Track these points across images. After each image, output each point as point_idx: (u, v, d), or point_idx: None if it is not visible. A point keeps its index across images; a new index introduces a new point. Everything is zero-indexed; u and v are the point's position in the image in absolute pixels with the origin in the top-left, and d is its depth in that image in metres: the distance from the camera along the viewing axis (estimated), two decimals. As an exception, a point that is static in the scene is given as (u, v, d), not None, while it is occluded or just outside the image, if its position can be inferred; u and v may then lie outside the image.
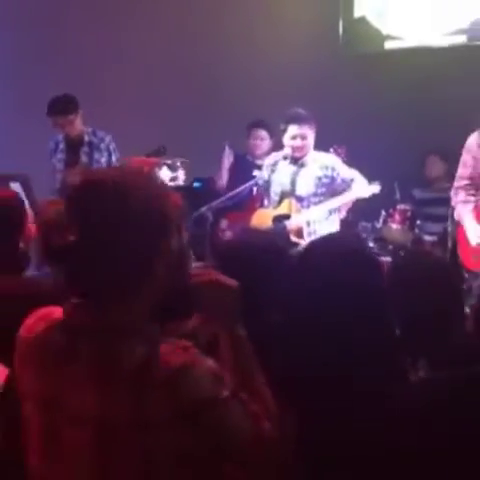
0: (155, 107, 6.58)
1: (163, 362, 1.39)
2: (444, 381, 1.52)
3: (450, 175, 5.11)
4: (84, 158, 5.54)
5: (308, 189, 4.84)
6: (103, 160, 5.53)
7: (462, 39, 6.50)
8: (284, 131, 4.85)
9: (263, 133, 5.83)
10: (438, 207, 5.64)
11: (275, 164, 5.01)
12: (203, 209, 4.86)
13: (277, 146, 5.34)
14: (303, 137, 4.79)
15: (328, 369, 1.65)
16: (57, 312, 1.53)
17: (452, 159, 5.13)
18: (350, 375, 1.64)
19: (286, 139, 4.86)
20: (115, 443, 1.40)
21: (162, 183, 1.58)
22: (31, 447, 1.54)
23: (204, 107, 6.51)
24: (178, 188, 5.03)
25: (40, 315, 1.57)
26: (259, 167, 5.62)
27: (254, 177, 5.38)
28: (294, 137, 4.80)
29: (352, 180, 4.85)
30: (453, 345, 2.00)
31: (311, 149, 4.88)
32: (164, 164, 4.83)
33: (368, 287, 1.74)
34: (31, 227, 2.21)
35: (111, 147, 5.55)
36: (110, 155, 5.53)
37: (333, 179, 4.83)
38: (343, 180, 4.85)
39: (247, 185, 5.16)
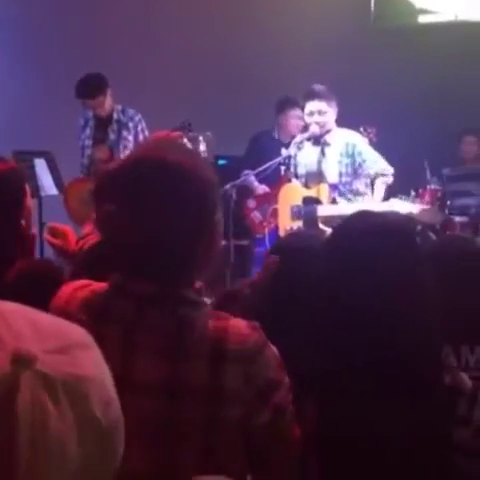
0: (182, 83, 6.51)
1: (238, 337, 1.42)
2: None
3: None
4: (112, 135, 5.51)
5: (333, 170, 4.76)
6: (131, 138, 5.49)
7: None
8: (303, 108, 4.84)
9: (300, 112, 5.69)
10: (467, 182, 5.61)
11: (301, 143, 4.95)
12: (227, 186, 4.79)
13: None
14: (321, 113, 4.72)
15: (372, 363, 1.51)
16: (94, 284, 1.52)
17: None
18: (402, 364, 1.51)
19: (305, 116, 4.85)
20: (185, 410, 1.41)
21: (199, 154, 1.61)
22: None
23: (231, 83, 6.43)
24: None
25: (77, 285, 1.53)
26: (286, 145, 5.54)
27: (281, 155, 5.30)
28: (311, 113, 4.77)
29: (375, 162, 4.74)
30: None
31: (333, 126, 4.80)
32: (185, 137, 4.77)
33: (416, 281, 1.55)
34: (29, 204, 2.11)
35: (139, 126, 5.50)
36: (138, 134, 5.48)
37: (353, 158, 4.72)
38: (364, 161, 4.72)
39: (274, 162, 5.08)
